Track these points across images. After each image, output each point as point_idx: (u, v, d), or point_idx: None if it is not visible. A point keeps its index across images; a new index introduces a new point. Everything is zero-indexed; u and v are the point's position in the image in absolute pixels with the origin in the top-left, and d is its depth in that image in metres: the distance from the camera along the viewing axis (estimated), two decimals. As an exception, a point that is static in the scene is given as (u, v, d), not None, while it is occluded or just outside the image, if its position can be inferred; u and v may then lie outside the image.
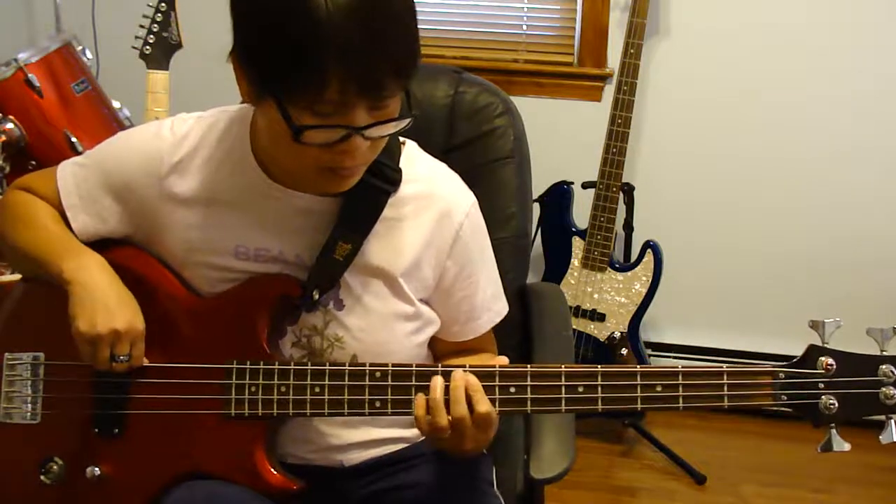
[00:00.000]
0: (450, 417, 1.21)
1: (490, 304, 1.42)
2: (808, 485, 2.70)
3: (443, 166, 1.40)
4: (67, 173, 1.38)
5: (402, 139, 1.37)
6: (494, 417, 1.23)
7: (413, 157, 1.37)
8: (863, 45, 2.75)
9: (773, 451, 2.85)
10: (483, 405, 1.21)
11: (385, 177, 1.30)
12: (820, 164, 2.86)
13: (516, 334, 1.69)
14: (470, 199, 1.38)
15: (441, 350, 1.42)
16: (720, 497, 2.66)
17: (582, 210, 2.77)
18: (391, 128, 1.17)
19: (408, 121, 1.17)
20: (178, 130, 1.34)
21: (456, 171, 1.41)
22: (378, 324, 1.32)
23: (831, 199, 2.88)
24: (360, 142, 1.15)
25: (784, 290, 2.97)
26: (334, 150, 1.15)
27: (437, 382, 1.22)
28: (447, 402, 1.21)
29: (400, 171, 1.33)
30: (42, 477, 1.33)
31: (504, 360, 1.28)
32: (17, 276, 1.49)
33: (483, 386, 1.22)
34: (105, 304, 1.27)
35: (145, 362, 1.31)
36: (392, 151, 1.33)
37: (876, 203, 2.86)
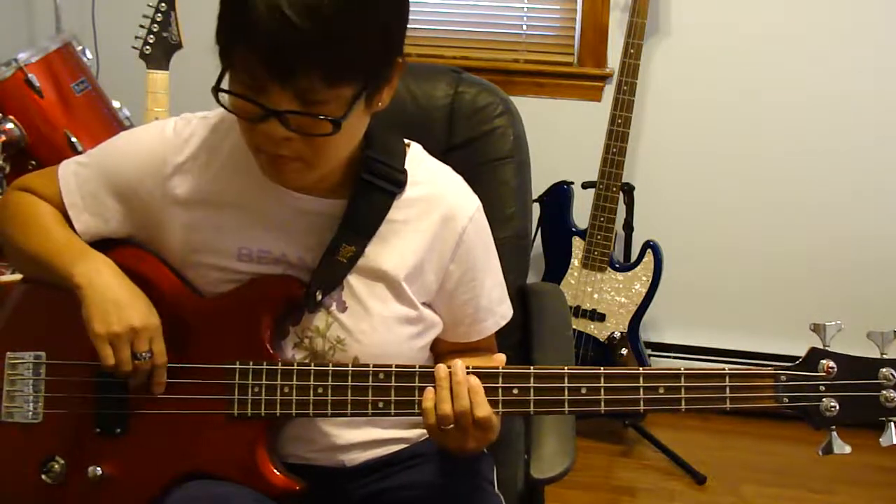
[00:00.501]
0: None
1: (496, 307, 1.42)
2: (808, 485, 2.71)
3: (448, 169, 1.40)
4: (69, 172, 1.38)
5: (407, 141, 1.37)
6: (494, 421, 1.23)
7: (418, 160, 1.37)
8: (863, 45, 2.75)
9: (773, 452, 2.85)
10: (481, 410, 1.21)
11: (390, 178, 1.30)
12: (820, 164, 2.86)
13: (516, 334, 1.69)
14: (474, 202, 1.37)
15: (442, 349, 1.42)
16: (720, 497, 2.66)
17: (582, 210, 2.77)
18: (317, 125, 1.14)
19: (330, 123, 1.15)
20: (181, 131, 1.34)
21: (456, 171, 1.41)
22: (380, 326, 1.32)
23: (832, 199, 2.88)
24: (276, 127, 1.14)
25: (784, 290, 2.98)
26: (259, 131, 1.16)
27: (442, 372, 1.22)
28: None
29: (405, 172, 1.33)
30: (43, 476, 1.33)
31: (502, 357, 1.28)
32: (18, 276, 1.49)
33: (486, 387, 1.22)
34: (117, 303, 1.27)
35: (166, 360, 1.30)
36: (396, 153, 1.33)
37: (876, 203, 2.87)
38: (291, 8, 1.07)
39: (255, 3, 1.08)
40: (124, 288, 1.30)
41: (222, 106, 1.18)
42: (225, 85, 1.17)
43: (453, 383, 1.22)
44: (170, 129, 1.34)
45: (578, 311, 2.77)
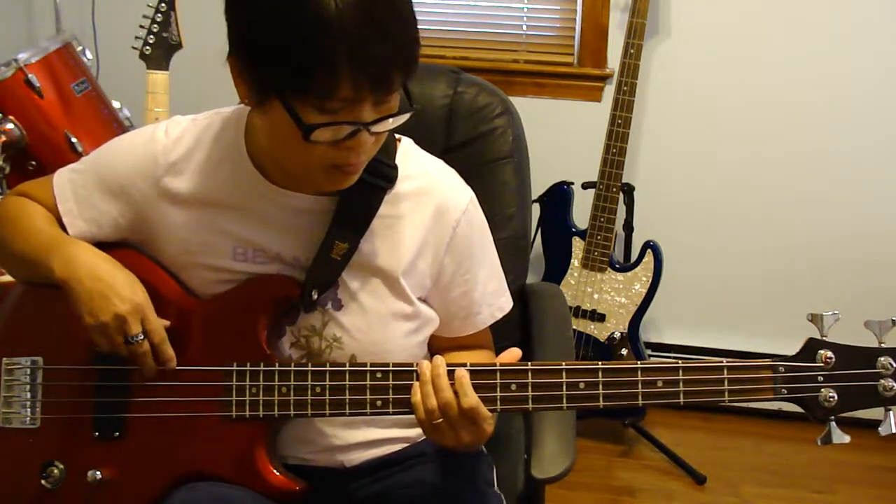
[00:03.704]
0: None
1: (490, 299, 1.42)
2: (808, 485, 2.71)
3: (439, 162, 1.40)
4: (64, 179, 1.38)
5: (397, 136, 1.37)
6: (483, 412, 1.21)
7: (409, 154, 1.37)
8: (863, 45, 2.75)
9: (773, 451, 2.86)
10: (467, 400, 1.20)
11: (380, 173, 1.30)
12: (819, 164, 2.86)
13: (516, 334, 1.69)
14: (467, 194, 1.37)
15: (438, 346, 1.42)
16: (720, 497, 2.66)
17: (582, 210, 2.77)
18: (395, 122, 1.18)
19: (409, 114, 1.18)
20: (171, 132, 1.34)
21: (455, 171, 1.41)
22: (376, 323, 1.32)
23: (832, 198, 2.88)
24: (366, 137, 1.16)
25: (784, 290, 2.97)
26: (341, 147, 1.16)
27: (424, 368, 1.22)
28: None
29: (396, 167, 1.33)
30: (43, 482, 1.32)
31: (517, 351, 1.27)
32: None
33: (484, 383, 1.22)
34: (101, 293, 1.27)
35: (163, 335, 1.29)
36: (388, 148, 1.33)
37: (877, 202, 2.86)
38: (382, 15, 1.08)
39: (344, 25, 1.06)
40: (105, 273, 1.29)
41: (317, 142, 1.13)
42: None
43: (433, 376, 1.22)
44: (160, 131, 1.34)
45: (578, 312, 2.77)
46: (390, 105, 1.16)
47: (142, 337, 1.27)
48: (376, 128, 1.16)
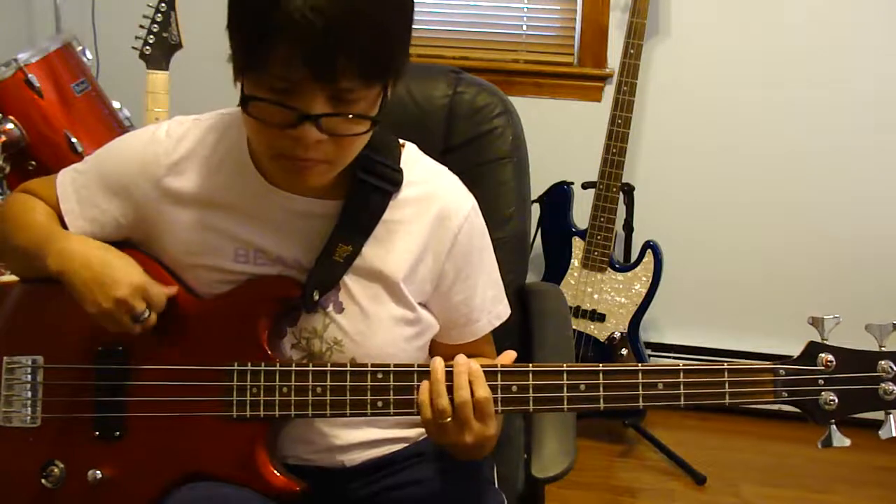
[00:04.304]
0: (452, 401, 1.20)
1: (490, 306, 1.42)
2: (808, 485, 2.71)
3: (443, 169, 1.40)
4: (67, 179, 1.38)
5: (401, 141, 1.37)
6: (492, 407, 1.21)
7: (413, 160, 1.37)
8: (863, 45, 2.76)
9: (773, 451, 2.86)
10: (482, 390, 1.20)
11: (386, 177, 1.30)
12: (820, 164, 2.86)
13: (516, 335, 1.69)
14: (469, 201, 1.37)
15: (438, 354, 1.41)
16: (720, 497, 2.66)
17: (582, 210, 2.77)
18: (351, 125, 1.15)
19: (370, 122, 1.16)
20: (173, 133, 1.34)
21: (454, 172, 1.41)
22: (377, 328, 1.32)
23: (831, 198, 2.89)
24: (310, 130, 1.13)
25: (784, 290, 2.98)
26: (289, 136, 1.14)
27: (438, 365, 1.22)
28: (449, 388, 1.21)
29: (401, 171, 1.32)
30: (43, 481, 1.32)
31: (512, 354, 1.28)
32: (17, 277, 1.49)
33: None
34: (97, 280, 1.27)
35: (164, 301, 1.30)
36: (392, 152, 1.33)
37: (876, 202, 2.87)
38: (339, 9, 1.06)
39: (291, 2, 1.06)
40: (97, 261, 1.29)
41: (253, 117, 1.14)
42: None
43: (454, 373, 1.21)
44: (162, 130, 1.35)
45: (578, 312, 2.77)
46: (352, 106, 1.13)
47: (148, 313, 1.28)
48: (328, 125, 1.13)
